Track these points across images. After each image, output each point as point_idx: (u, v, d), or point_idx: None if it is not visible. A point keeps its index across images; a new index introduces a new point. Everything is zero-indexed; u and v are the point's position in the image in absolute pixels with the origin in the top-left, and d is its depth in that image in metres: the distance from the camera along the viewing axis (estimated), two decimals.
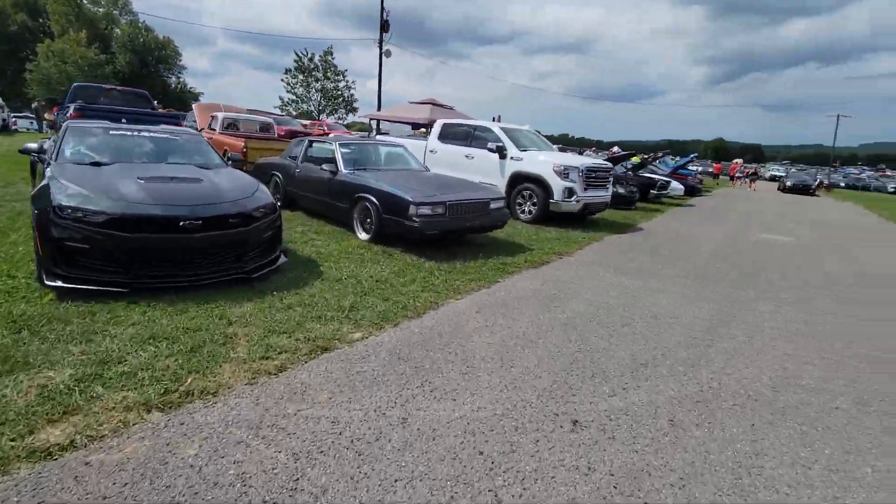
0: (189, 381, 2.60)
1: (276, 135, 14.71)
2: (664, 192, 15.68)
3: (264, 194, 4.60)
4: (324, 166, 6.68)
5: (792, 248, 8.85)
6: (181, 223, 3.72)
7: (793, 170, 67.47)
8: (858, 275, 6.92)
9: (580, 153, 31.19)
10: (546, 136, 11.19)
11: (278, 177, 7.93)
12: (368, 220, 6.10)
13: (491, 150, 9.13)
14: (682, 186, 18.49)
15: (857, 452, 2.47)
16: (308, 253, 5.39)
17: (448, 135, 10.35)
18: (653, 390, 2.94)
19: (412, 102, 18.83)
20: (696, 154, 24.92)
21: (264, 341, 3.12)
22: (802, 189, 27.90)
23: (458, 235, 6.31)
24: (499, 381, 2.90)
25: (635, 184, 14.55)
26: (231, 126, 14.04)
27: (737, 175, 34.05)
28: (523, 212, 8.96)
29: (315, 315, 3.64)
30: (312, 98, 40.78)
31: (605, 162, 9.65)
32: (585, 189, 8.68)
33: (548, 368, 3.12)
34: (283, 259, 4.67)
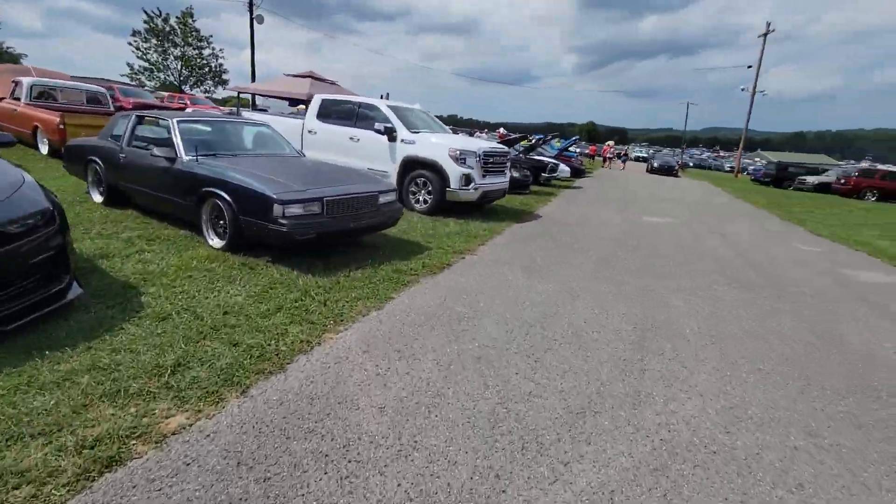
0: None
1: (111, 108, 11.93)
2: (554, 174, 15.89)
3: (32, 196, 3.05)
4: (156, 151, 5.04)
5: (675, 229, 9.15)
6: None
7: (653, 151, 75.63)
8: (737, 254, 7.19)
9: (471, 135, 31.04)
10: (436, 117, 10.34)
11: (97, 164, 6.01)
12: (222, 221, 4.70)
13: (379, 132, 8.00)
14: (568, 168, 19.06)
15: None
16: (129, 274, 3.89)
17: (329, 113, 8.99)
18: (600, 459, 2.23)
19: (288, 75, 16.78)
20: (577, 137, 26.15)
21: None
22: (667, 170, 30.93)
23: (340, 239, 5.17)
24: (396, 484, 1.96)
25: (528, 167, 14.45)
26: (45, 96, 11.04)
27: (608, 156, 36.61)
28: (418, 202, 8.04)
29: (111, 389, 2.35)
30: (171, 67, 35.27)
31: (502, 146, 9.10)
32: (484, 175, 8.01)
33: (464, 444, 2.25)
34: (75, 291, 3.19)
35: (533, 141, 16.52)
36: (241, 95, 19.09)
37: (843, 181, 24.31)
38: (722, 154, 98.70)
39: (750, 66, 40.28)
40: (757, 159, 65.04)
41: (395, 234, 6.18)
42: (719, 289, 5.29)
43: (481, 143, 8.38)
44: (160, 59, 34.50)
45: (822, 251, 8.56)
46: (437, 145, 7.83)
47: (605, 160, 36.35)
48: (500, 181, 8.56)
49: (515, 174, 12.24)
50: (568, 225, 8.58)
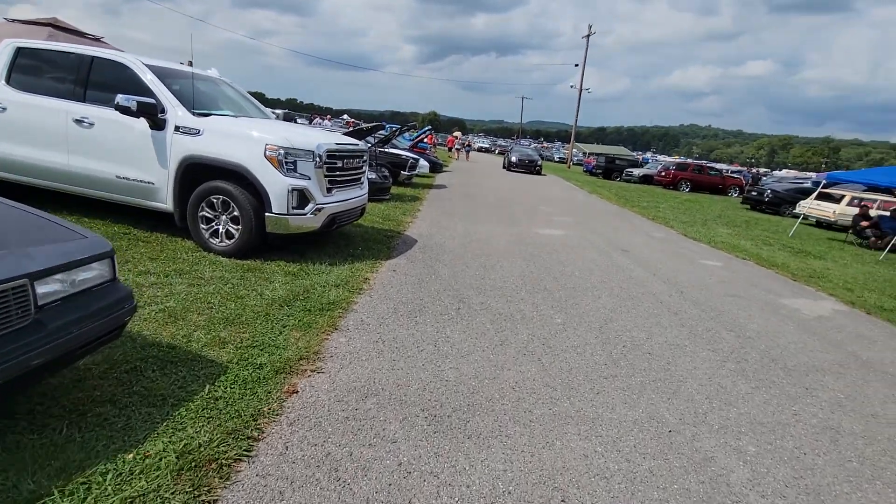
0: None
1: None
2: (414, 172, 13.41)
3: None
4: None
5: (578, 247, 7.38)
6: None
7: (489, 141, 77.73)
8: (669, 285, 5.54)
9: (310, 122, 26.67)
10: (272, 102, 6.80)
11: None
12: None
13: (126, 112, 4.37)
14: (427, 163, 16.83)
15: None
16: None
17: (35, 74, 4.97)
18: None
19: (15, 21, 11.06)
20: (430, 127, 24.08)
21: None
22: (528, 166, 25.92)
23: None
24: None
25: (385, 164, 11.67)
26: None
27: (455, 147, 35.89)
28: (217, 235, 4.69)
29: None
30: None
31: (354, 140, 6.11)
32: (330, 189, 4.99)
33: None
34: None
35: (389, 131, 13.77)
36: None
37: (663, 173, 26.89)
38: (546, 145, 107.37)
39: (577, 64, 43.50)
40: (574, 150, 72.05)
41: (156, 327, 2.88)
42: (732, 387, 3.30)
43: (321, 137, 5.29)
44: None
45: (724, 266, 7.61)
46: (245, 139, 4.54)
47: (450, 150, 35.62)
48: (356, 196, 5.60)
49: (372, 176, 9.39)
50: (457, 256, 6.06)
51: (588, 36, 41.92)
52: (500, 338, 3.65)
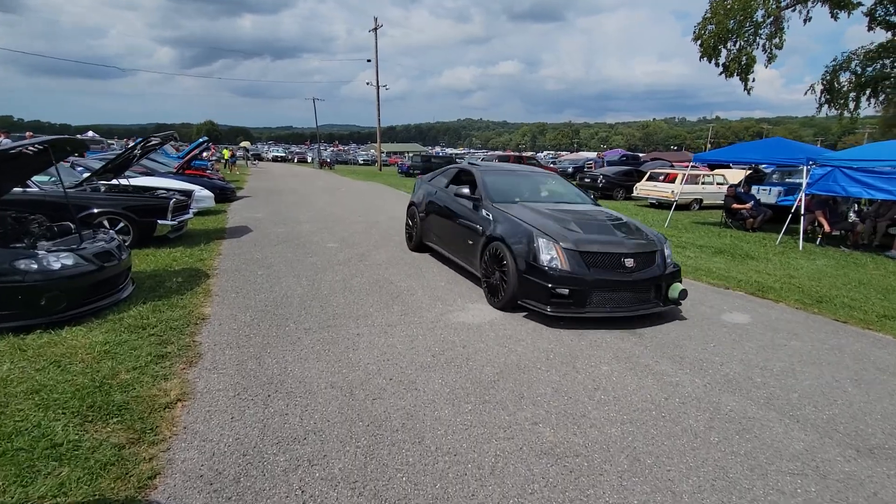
0: None
1: None
2: (186, 215, 7.85)
3: None
4: None
5: (569, 359, 3.70)
6: None
7: (280, 147, 67.87)
8: (877, 463, 2.30)
9: None
10: None
11: None
12: None
13: None
14: (209, 193, 11.08)
15: None
16: None
17: None
18: None
19: None
20: (206, 138, 17.50)
21: None
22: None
23: None
24: None
25: (118, 213, 6.05)
26: None
27: (238, 160, 30.84)
28: None
29: None
30: None
31: None
32: None
33: None
34: None
35: (124, 149, 7.91)
36: None
37: None
38: (341, 147, 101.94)
39: (369, 60, 40.49)
40: (372, 151, 69.60)
41: None
42: None
43: None
44: None
45: (756, 322, 4.92)
46: None
47: (232, 164, 30.47)
48: None
49: (66, 261, 4.03)
50: None
51: (375, 29, 39.16)
52: None
